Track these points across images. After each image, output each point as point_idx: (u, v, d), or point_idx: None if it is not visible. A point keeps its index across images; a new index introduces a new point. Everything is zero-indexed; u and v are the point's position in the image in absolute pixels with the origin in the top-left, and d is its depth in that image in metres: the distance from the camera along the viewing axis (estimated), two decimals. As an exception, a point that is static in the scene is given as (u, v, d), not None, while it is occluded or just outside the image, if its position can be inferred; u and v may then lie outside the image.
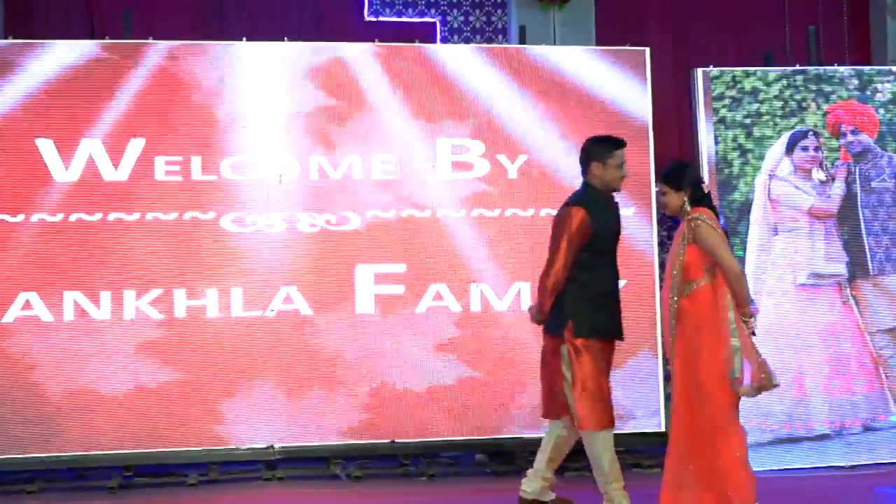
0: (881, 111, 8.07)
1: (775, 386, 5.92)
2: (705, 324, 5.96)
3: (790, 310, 7.89)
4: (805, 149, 8.04)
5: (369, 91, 8.22)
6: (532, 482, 6.61)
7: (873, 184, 8.01)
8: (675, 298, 6.04)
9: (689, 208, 6.10)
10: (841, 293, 7.95)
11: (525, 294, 8.19)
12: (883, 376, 7.96)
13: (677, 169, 6.24)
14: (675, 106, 9.17)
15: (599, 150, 6.41)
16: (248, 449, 7.95)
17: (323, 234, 8.11)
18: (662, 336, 6.50)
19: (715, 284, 5.99)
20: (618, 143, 6.43)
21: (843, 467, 7.99)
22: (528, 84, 8.37)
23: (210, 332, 7.97)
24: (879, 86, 8.04)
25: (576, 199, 6.45)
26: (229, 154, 8.06)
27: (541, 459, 6.59)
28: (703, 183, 6.33)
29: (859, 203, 8.03)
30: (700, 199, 6.12)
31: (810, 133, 8.00)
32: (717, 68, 8.17)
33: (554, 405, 6.44)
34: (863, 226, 7.99)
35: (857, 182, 7.99)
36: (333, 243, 8.13)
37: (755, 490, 5.90)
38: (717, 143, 7.92)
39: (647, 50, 8.48)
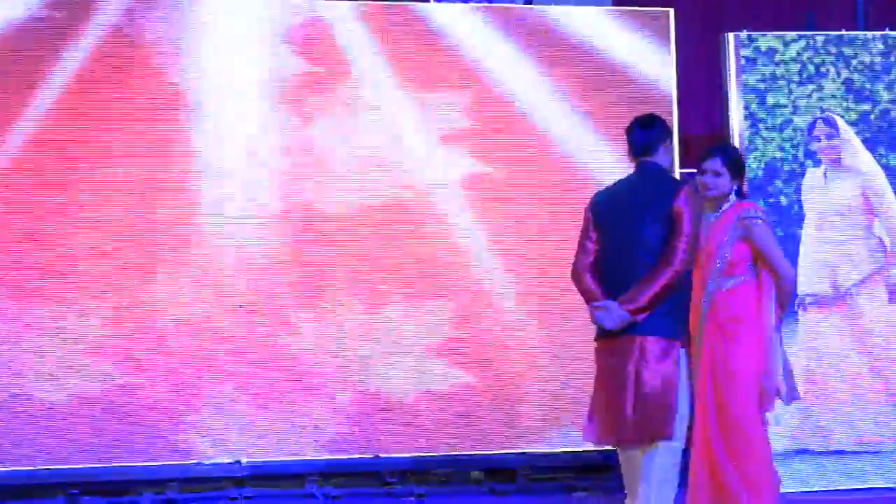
0: None
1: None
2: (745, 320, 5.83)
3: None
4: (817, 139, 7.67)
5: (353, 56, 7.88)
6: None
7: None
8: (712, 291, 5.84)
9: (734, 199, 5.93)
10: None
11: (530, 290, 7.87)
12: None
13: (738, 152, 6.06)
14: (703, 75, 8.75)
15: (666, 131, 5.89)
16: (212, 464, 7.60)
17: (298, 218, 7.78)
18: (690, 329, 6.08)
19: (759, 283, 5.88)
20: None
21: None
22: (535, 49, 8.01)
23: (169, 330, 7.64)
24: None
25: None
26: (193, 126, 7.71)
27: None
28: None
29: None
30: (742, 191, 6.02)
31: (819, 120, 7.60)
32: (751, 32, 7.73)
33: (647, 427, 5.63)
34: None
35: None
36: (311, 229, 7.79)
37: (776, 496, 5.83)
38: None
39: (672, 11, 8.12)
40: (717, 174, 5.85)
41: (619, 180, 5.90)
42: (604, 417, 5.69)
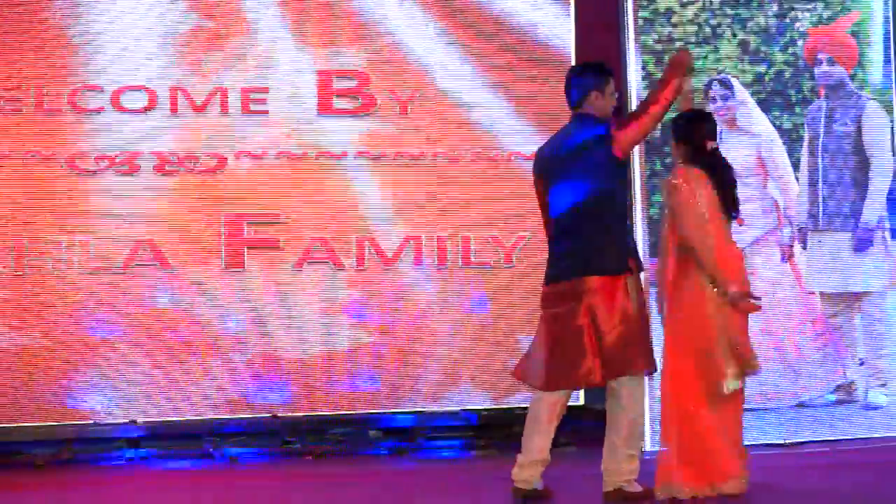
0: (799, 42, 7.64)
1: None
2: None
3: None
4: (713, 100, 7.58)
5: (249, 11, 7.76)
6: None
7: (836, 126, 7.56)
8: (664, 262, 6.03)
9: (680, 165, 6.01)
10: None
11: (430, 250, 7.82)
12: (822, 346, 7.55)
13: (681, 119, 6.11)
14: (601, 35, 8.67)
15: (597, 78, 5.97)
16: (107, 424, 7.54)
17: (188, 175, 7.66)
18: (658, 302, 6.18)
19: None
20: (610, 71, 6.09)
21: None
22: (433, 8, 7.94)
23: (61, 288, 7.51)
24: (800, 14, 7.63)
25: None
26: (84, 84, 7.56)
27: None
28: (708, 140, 6.06)
29: (819, 146, 7.51)
30: (698, 157, 5.98)
31: (715, 81, 7.53)
32: None
33: (617, 362, 5.76)
34: (820, 173, 7.50)
35: (822, 122, 7.52)
36: (200, 186, 7.68)
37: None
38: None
39: (571, -29, 8.10)
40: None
41: (555, 133, 6.05)
42: (560, 363, 5.77)
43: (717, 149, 6.08)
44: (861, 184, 7.56)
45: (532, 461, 5.83)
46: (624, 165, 5.93)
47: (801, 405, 7.46)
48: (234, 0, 7.68)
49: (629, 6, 7.53)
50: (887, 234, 7.59)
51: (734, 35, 7.61)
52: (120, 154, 7.52)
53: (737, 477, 5.84)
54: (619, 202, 5.86)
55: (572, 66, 6.33)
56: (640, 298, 5.83)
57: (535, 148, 6.27)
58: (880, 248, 7.55)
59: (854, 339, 7.55)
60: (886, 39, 7.74)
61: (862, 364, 7.51)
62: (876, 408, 7.52)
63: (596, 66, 6.09)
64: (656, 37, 7.53)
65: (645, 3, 7.52)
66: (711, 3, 7.61)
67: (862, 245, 7.51)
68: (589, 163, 5.79)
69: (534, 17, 7.96)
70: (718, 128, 7.51)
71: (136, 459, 7.54)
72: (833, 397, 7.49)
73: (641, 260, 6.07)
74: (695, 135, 6.01)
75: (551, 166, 5.92)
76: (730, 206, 5.96)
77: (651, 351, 5.85)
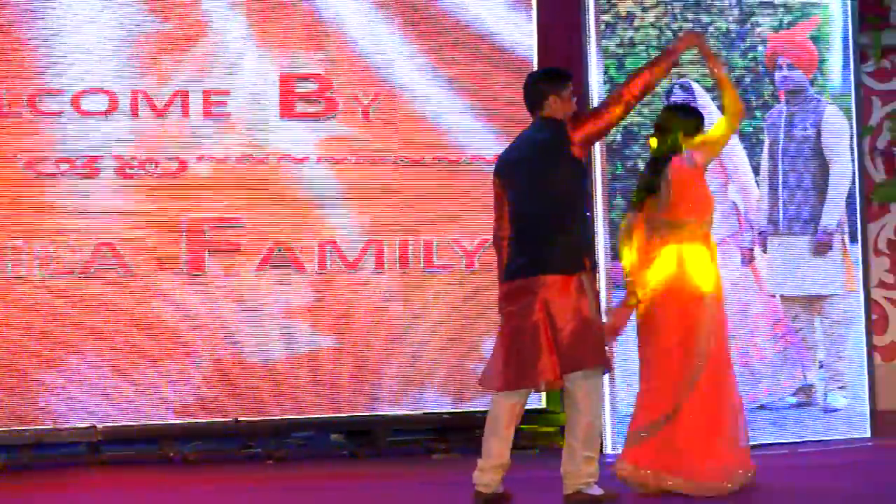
0: (760, 48, 7.69)
1: None
2: None
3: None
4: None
5: (207, 14, 7.71)
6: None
7: (796, 130, 7.62)
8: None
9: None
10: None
11: (390, 255, 7.81)
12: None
13: (666, 111, 6.38)
14: (563, 39, 8.67)
15: (554, 83, 6.01)
16: (67, 429, 7.48)
17: (149, 179, 7.62)
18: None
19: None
20: (568, 75, 6.12)
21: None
22: (395, 12, 7.92)
23: (20, 292, 7.45)
24: (760, 19, 7.68)
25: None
26: (41, 87, 7.50)
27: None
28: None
29: (780, 150, 7.58)
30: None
31: (677, 85, 7.56)
32: None
33: (571, 357, 5.81)
34: (780, 177, 7.56)
35: (782, 126, 7.59)
36: (161, 190, 7.63)
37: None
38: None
39: (533, -25, 8.11)
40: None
41: (516, 137, 6.08)
42: (517, 361, 5.80)
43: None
44: (821, 188, 7.63)
45: (492, 465, 5.84)
46: (583, 167, 5.95)
47: (762, 407, 7.50)
48: (196, 3, 7.63)
49: (591, 9, 7.54)
50: (846, 238, 7.65)
51: (694, 40, 7.64)
52: (80, 157, 7.47)
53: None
54: (577, 203, 5.90)
55: (530, 72, 6.35)
56: (595, 297, 5.87)
57: (498, 151, 6.32)
58: (839, 251, 7.61)
59: (814, 341, 7.60)
60: (846, 45, 7.79)
61: (821, 367, 7.56)
62: (834, 410, 7.57)
63: (553, 70, 6.15)
64: (618, 41, 7.54)
65: (607, 7, 7.53)
66: (673, 8, 7.63)
67: (821, 249, 7.56)
68: (548, 165, 5.83)
69: (496, 21, 7.97)
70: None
71: (96, 464, 7.46)
72: (793, 399, 7.54)
73: (596, 260, 6.12)
74: (698, 129, 6.20)
75: (512, 170, 5.96)
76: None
77: (601, 352, 5.87)
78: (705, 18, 7.68)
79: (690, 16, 7.67)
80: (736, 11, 7.70)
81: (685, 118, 6.24)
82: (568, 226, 5.82)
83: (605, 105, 5.94)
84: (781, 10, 7.70)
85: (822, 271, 7.64)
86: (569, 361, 5.72)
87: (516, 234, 5.91)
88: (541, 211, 5.85)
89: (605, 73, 7.52)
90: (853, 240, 7.68)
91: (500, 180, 6.01)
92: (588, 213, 6.29)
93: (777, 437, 7.45)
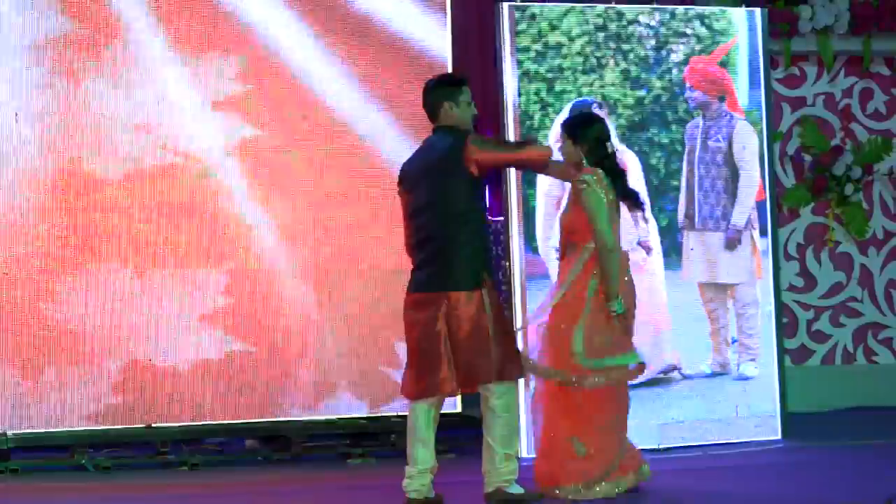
0: (675, 71, 8.06)
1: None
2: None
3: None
4: None
5: (123, 17, 7.65)
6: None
7: (710, 142, 8.16)
8: (557, 259, 6.32)
9: (585, 166, 6.21)
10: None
11: (306, 258, 7.80)
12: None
13: (581, 119, 6.46)
14: (477, 43, 8.78)
15: (447, 91, 6.08)
16: None
17: (66, 181, 7.56)
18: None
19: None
20: (463, 80, 6.19)
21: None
22: (311, 17, 7.89)
23: None
24: (674, 46, 8.11)
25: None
26: None
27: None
28: (608, 142, 6.37)
29: (696, 158, 8.10)
30: (602, 158, 6.23)
31: (592, 103, 7.81)
32: (524, 2, 7.79)
33: (469, 373, 5.93)
34: (696, 181, 8.09)
35: (699, 137, 8.12)
36: (78, 193, 7.58)
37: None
38: (519, 95, 7.72)
39: (448, -22, 8.19)
40: (560, 142, 6.29)
41: (418, 147, 6.16)
42: (420, 370, 5.90)
43: (615, 151, 6.42)
44: (731, 192, 8.11)
45: (420, 471, 5.91)
46: (480, 182, 6.02)
47: (685, 378, 7.88)
48: (110, 6, 7.56)
49: (504, 14, 7.63)
50: (756, 234, 8.13)
51: (617, 64, 7.96)
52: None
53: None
54: (474, 218, 5.97)
55: (426, 81, 6.35)
56: (497, 311, 5.94)
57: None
58: (748, 245, 8.12)
59: (727, 321, 8.09)
60: (754, 66, 8.20)
61: (734, 342, 8.04)
62: (747, 378, 8.02)
63: (447, 77, 6.27)
64: (548, 66, 7.76)
65: (538, 37, 7.70)
66: (597, 37, 7.90)
67: (731, 244, 8.08)
68: (445, 178, 5.92)
69: (412, 28, 7.98)
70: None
71: (7, 472, 7.34)
72: (709, 370, 7.98)
73: (494, 275, 6.34)
74: (593, 135, 6.25)
75: (411, 182, 6.05)
76: (631, 207, 6.40)
77: (510, 361, 5.96)
78: (625, 46, 7.96)
79: (612, 44, 7.94)
80: (653, 41, 8.04)
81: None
82: (466, 241, 5.90)
83: (520, 144, 6.07)
84: (694, 39, 8.09)
85: (733, 262, 8.11)
86: (465, 378, 5.86)
87: (416, 246, 6.01)
88: (436, 226, 5.94)
89: (538, 94, 7.70)
90: (762, 233, 8.18)
91: (402, 188, 6.10)
92: (488, 226, 6.41)
93: (696, 406, 7.79)
